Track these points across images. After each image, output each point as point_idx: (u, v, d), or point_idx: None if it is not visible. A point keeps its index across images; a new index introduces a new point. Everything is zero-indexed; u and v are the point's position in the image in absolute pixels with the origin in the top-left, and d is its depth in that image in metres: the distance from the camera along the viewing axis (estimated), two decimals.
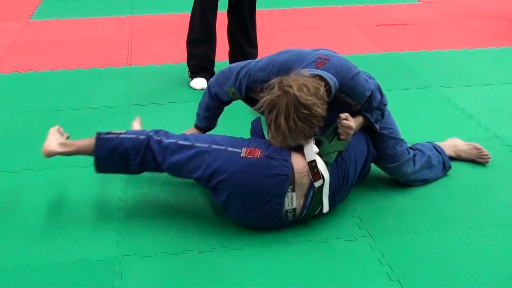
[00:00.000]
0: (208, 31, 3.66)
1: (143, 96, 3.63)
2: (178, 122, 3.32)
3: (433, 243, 2.25)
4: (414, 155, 2.62)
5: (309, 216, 2.31)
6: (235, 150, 2.23)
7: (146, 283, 2.05)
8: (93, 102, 3.55)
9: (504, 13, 5.42)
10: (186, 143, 2.31)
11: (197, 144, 2.29)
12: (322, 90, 2.14)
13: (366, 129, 2.46)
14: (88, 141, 2.41)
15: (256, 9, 3.82)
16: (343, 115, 2.30)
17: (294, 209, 2.24)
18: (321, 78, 2.20)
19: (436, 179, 2.67)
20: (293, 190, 2.20)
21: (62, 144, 2.45)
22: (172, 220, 2.40)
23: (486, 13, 5.43)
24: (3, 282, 2.05)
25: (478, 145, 2.84)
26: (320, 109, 2.13)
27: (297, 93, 2.08)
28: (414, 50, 4.44)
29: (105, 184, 2.65)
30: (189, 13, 3.70)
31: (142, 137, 2.36)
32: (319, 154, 2.23)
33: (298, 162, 2.21)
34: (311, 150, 2.23)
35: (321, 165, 2.22)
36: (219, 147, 2.26)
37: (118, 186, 2.63)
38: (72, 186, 2.66)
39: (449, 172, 2.73)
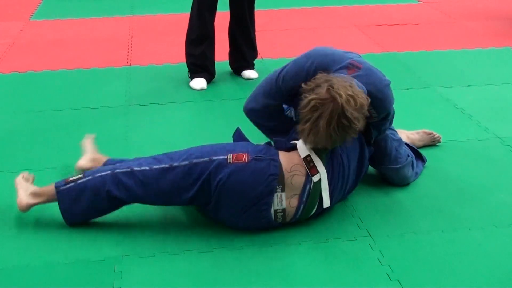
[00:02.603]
0: (206, 31, 3.67)
1: (143, 96, 3.63)
2: (178, 122, 3.32)
3: (433, 243, 2.25)
4: (412, 159, 2.63)
5: (306, 216, 2.30)
6: (221, 157, 2.20)
7: (146, 283, 2.05)
8: (93, 102, 3.55)
9: (504, 13, 5.42)
10: (163, 165, 2.21)
11: (175, 164, 2.20)
12: (366, 106, 2.16)
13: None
14: (52, 190, 2.29)
15: (256, 9, 3.83)
16: None
17: (283, 210, 2.23)
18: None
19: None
20: (282, 190, 2.20)
21: (33, 195, 2.33)
22: (172, 220, 2.40)
23: (486, 13, 5.43)
24: (3, 282, 2.05)
25: (427, 130, 2.95)
26: (360, 125, 2.15)
27: (345, 104, 2.08)
28: (414, 50, 4.44)
29: None
30: (189, 13, 3.70)
31: (103, 173, 2.23)
32: (312, 148, 2.23)
33: (286, 161, 2.22)
34: (304, 145, 2.23)
35: (316, 159, 2.22)
36: (202, 160, 2.20)
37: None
38: None
39: (450, 172, 2.73)
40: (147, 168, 2.22)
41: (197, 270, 2.11)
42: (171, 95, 3.65)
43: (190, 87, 3.75)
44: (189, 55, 3.77)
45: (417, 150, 2.77)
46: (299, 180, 2.22)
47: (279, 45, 4.55)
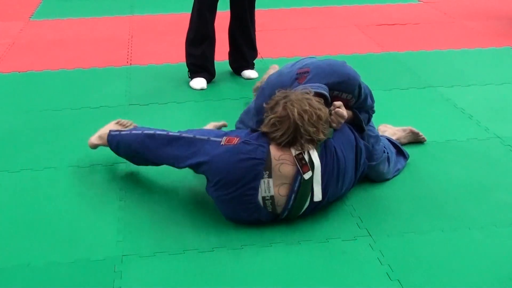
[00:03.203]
0: (206, 31, 3.66)
1: (143, 96, 3.63)
2: (178, 122, 3.32)
3: (433, 243, 2.25)
4: (388, 154, 2.65)
5: (300, 209, 2.29)
6: (216, 139, 2.32)
7: (146, 283, 2.05)
8: (93, 102, 3.55)
9: (504, 13, 5.42)
10: (175, 134, 2.44)
11: (184, 135, 2.41)
12: (324, 116, 2.25)
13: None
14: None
15: (257, 8, 3.83)
16: (337, 103, 2.34)
17: (272, 197, 2.24)
18: (318, 94, 2.29)
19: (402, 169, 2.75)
20: (269, 176, 2.22)
21: (99, 137, 2.73)
22: (172, 220, 2.40)
23: (486, 13, 5.43)
24: (3, 282, 2.05)
25: (414, 129, 2.97)
26: (322, 134, 2.25)
27: (298, 121, 2.20)
28: (414, 50, 4.44)
29: (105, 184, 2.65)
30: (189, 13, 3.70)
31: (137, 132, 2.55)
32: None
33: (276, 150, 2.25)
34: None
35: (313, 152, 2.24)
36: (203, 137, 2.36)
37: (118, 186, 2.63)
38: (72, 186, 2.66)
39: (451, 172, 2.73)
40: (164, 133, 2.47)
41: (197, 269, 2.11)
42: (171, 95, 3.65)
43: (190, 87, 3.75)
44: (189, 55, 3.77)
45: (398, 146, 2.79)
46: (288, 169, 2.23)
47: (279, 45, 4.55)
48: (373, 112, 2.56)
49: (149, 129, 2.55)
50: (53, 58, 4.29)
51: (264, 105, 2.31)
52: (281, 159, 2.23)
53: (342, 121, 2.35)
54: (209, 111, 3.45)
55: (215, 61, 3.81)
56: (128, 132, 2.61)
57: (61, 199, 2.55)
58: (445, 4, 5.75)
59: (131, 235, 2.30)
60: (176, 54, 4.20)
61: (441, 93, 3.63)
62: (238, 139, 2.28)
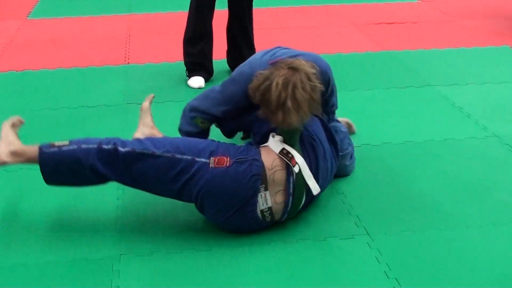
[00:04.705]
0: (204, 29, 3.66)
1: (141, 94, 3.60)
2: (176, 120, 3.31)
3: (431, 242, 2.25)
4: (352, 149, 2.69)
5: (297, 209, 2.28)
6: (203, 160, 2.16)
7: (144, 282, 2.05)
8: (90, 100, 3.54)
9: (502, 12, 5.42)
10: (146, 151, 2.17)
11: (158, 153, 2.16)
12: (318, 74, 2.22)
13: None
14: (35, 152, 2.25)
15: (255, 7, 3.82)
16: None
17: (270, 208, 2.20)
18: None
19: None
20: (265, 189, 2.17)
21: (13, 154, 2.27)
22: (170, 219, 2.39)
23: (484, 12, 5.43)
24: (1, 282, 2.05)
25: (350, 121, 3.01)
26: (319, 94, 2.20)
27: (305, 68, 2.14)
28: (412, 48, 4.43)
29: None
30: (187, 11, 3.70)
31: (90, 146, 2.20)
32: (284, 141, 2.22)
33: (267, 159, 2.19)
34: (275, 140, 2.22)
35: (291, 150, 2.20)
36: (185, 157, 2.16)
37: (116, 185, 2.62)
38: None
39: (449, 171, 2.73)
40: (129, 149, 2.18)
41: (195, 268, 2.11)
42: (169, 93, 3.65)
43: (188, 86, 3.74)
44: (187, 54, 3.76)
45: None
46: (281, 175, 2.19)
47: (277, 43, 4.52)
48: (333, 112, 2.57)
49: (104, 142, 2.20)
50: (51, 57, 4.28)
51: (257, 75, 2.19)
52: (273, 166, 2.18)
53: None
54: None
55: (213, 59, 3.81)
56: (72, 147, 2.20)
57: (59, 198, 2.54)
58: (443, 3, 5.75)
59: (129, 234, 2.30)
60: (174, 52, 4.19)
61: (439, 92, 3.63)
62: (228, 159, 2.16)
